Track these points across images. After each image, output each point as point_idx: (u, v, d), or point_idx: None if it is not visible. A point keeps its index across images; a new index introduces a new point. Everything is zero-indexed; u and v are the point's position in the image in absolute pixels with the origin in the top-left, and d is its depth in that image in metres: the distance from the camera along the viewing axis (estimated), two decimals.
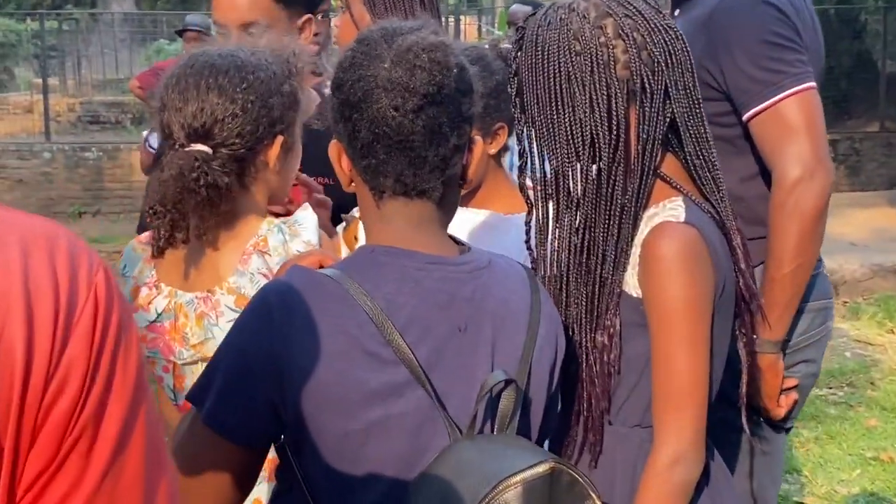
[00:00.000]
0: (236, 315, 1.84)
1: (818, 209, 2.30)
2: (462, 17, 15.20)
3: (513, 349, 1.57)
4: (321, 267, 1.61)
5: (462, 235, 2.25)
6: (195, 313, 1.90)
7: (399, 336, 1.46)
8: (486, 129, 2.31)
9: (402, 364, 1.46)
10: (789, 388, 2.48)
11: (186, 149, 1.86)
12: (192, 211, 1.83)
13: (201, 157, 1.84)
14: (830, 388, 5.99)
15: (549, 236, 1.88)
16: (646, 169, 1.80)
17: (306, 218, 1.91)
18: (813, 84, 2.38)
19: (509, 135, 2.35)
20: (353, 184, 1.60)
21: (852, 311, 7.50)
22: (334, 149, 1.60)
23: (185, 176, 1.83)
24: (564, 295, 1.86)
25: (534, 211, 1.90)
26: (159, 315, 1.94)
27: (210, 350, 1.86)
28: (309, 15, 2.60)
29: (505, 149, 2.39)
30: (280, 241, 1.88)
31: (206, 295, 1.90)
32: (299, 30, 2.59)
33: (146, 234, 1.96)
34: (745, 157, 2.46)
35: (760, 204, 2.39)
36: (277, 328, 1.46)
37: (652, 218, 1.80)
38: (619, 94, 1.77)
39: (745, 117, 2.39)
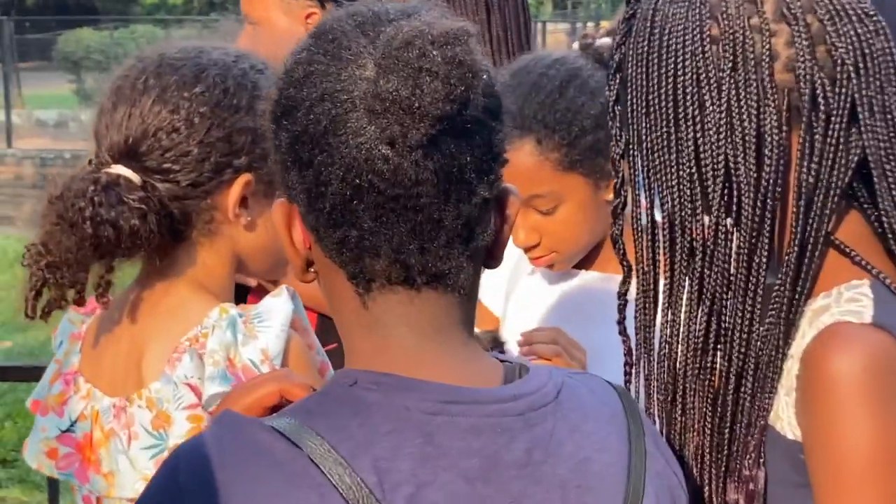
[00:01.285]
0: (155, 443, 1.27)
1: None
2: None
3: None
4: (278, 405, 1.06)
5: (586, 310, 1.73)
6: (106, 429, 1.35)
7: None
8: (599, 173, 1.73)
9: None
10: None
11: (105, 170, 1.33)
12: (68, 254, 1.30)
13: (107, 181, 1.31)
14: None
15: (659, 317, 1.25)
16: (811, 232, 1.16)
17: (274, 311, 1.32)
18: None
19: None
20: (313, 269, 1.03)
21: None
22: (280, 213, 1.03)
23: (65, 202, 1.29)
24: (679, 411, 1.23)
25: (633, 276, 1.29)
26: (73, 423, 1.39)
27: (119, 489, 1.30)
28: (313, 9, 2.14)
29: None
30: (225, 342, 1.29)
31: (124, 404, 1.34)
32: (305, 26, 2.09)
33: (90, 302, 1.41)
34: None
35: None
36: None
37: (819, 313, 1.15)
38: (774, 110, 1.14)
39: None
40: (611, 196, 1.74)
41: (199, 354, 1.30)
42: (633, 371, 1.29)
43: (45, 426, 1.42)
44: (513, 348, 1.78)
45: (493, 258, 1.02)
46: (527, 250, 1.77)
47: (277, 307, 1.32)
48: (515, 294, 1.91)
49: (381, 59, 0.92)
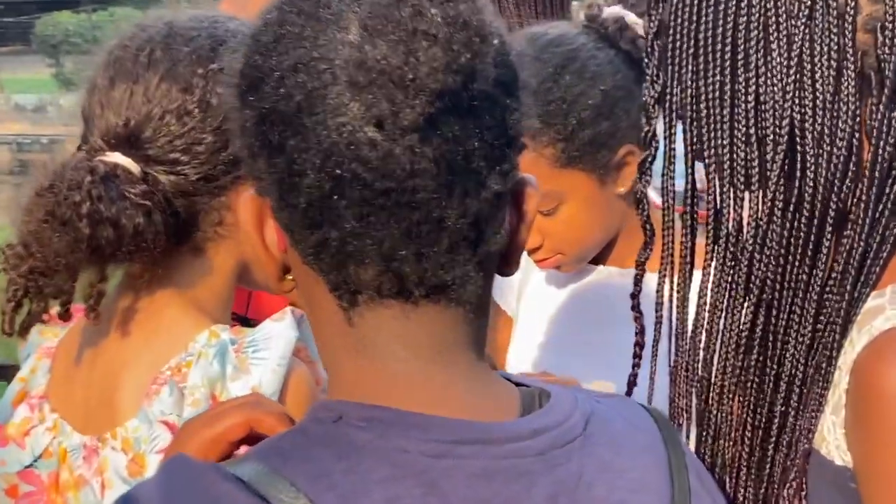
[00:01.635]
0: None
1: None
2: None
3: None
4: (248, 440, 0.90)
5: (603, 308, 1.61)
6: (76, 474, 1.17)
7: None
8: (603, 168, 1.57)
9: None
10: None
11: (100, 158, 1.14)
12: (57, 257, 1.11)
13: (105, 170, 1.12)
14: None
15: (693, 297, 1.09)
16: (880, 227, 1.00)
17: (273, 339, 1.14)
18: None
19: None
20: (291, 278, 0.87)
21: None
22: (249, 209, 0.86)
23: (57, 194, 1.11)
24: (714, 413, 1.07)
25: (660, 244, 1.11)
26: (36, 459, 1.21)
27: None
28: None
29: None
30: (210, 375, 1.12)
31: (96, 445, 1.17)
32: None
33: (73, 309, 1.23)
34: None
35: None
36: None
37: (871, 317, 1.00)
38: (854, 74, 0.97)
39: None
40: (623, 189, 1.59)
41: (181, 388, 1.12)
42: (652, 354, 1.13)
43: (4, 459, 1.24)
44: (517, 365, 1.64)
45: (507, 264, 0.85)
46: (529, 253, 1.62)
47: (277, 334, 1.14)
48: (527, 292, 1.76)
49: (368, 18, 0.75)
